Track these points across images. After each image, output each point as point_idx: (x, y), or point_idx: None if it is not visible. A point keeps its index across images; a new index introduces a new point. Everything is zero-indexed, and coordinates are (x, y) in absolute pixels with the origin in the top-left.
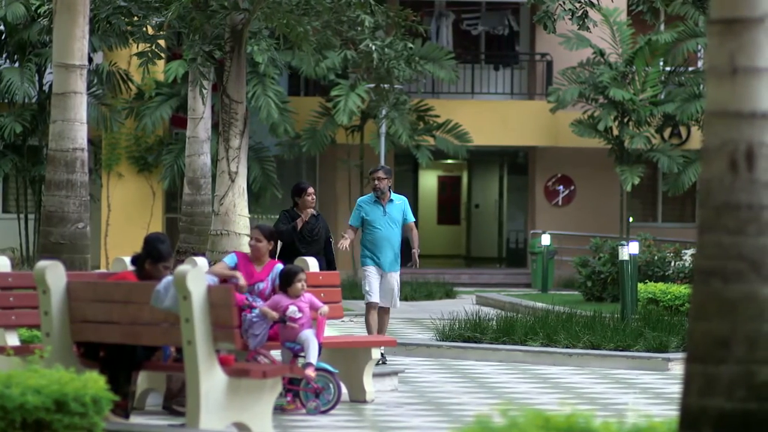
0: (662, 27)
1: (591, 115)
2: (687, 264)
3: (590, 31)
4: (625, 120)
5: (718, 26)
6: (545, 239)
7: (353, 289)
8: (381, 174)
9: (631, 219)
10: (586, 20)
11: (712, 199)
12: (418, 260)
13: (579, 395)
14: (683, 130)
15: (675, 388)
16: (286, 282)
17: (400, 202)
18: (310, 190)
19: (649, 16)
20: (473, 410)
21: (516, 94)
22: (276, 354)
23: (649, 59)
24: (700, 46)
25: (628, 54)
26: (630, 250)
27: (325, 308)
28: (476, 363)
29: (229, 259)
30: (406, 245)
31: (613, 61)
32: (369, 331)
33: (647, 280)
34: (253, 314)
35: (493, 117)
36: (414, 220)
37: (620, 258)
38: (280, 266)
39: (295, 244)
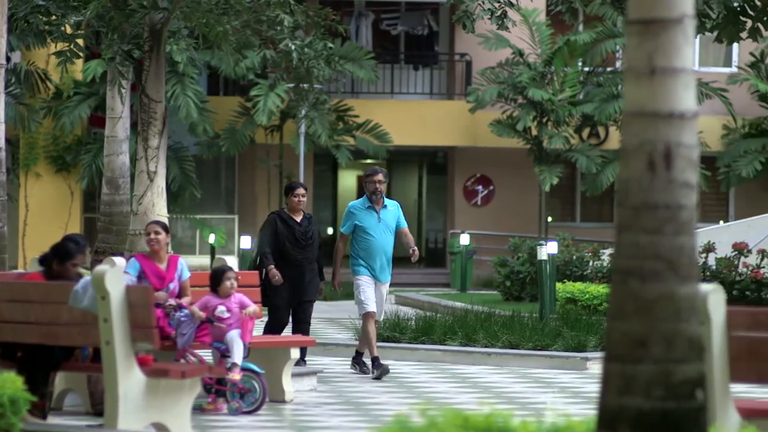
0: (581, 27)
1: (510, 115)
2: (605, 264)
3: (509, 31)
4: (544, 120)
5: (636, 27)
6: (464, 239)
7: None
8: (381, 177)
9: (549, 219)
10: (505, 20)
11: (630, 199)
12: (416, 253)
13: (498, 395)
14: (601, 131)
15: (593, 388)
16: (216, 281)
17: (393, 207)
18: (299, 191)
19: (568, 17)
20: (392, 410)
21: (435, 94)
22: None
23: (567, 60)
24: (618, 47)
25: (547, 54)
26: (548, 249)
27: (251, 308)
28: (395, 363)
29: (132, 268)
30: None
31: (532, 61)
32: (368, 342)
33: (566, 280)
34: (182, 313)
35: (412, 117)
36: (407, 225)
37: (539, 258)
38: (183, 261)
39: (287, 250)
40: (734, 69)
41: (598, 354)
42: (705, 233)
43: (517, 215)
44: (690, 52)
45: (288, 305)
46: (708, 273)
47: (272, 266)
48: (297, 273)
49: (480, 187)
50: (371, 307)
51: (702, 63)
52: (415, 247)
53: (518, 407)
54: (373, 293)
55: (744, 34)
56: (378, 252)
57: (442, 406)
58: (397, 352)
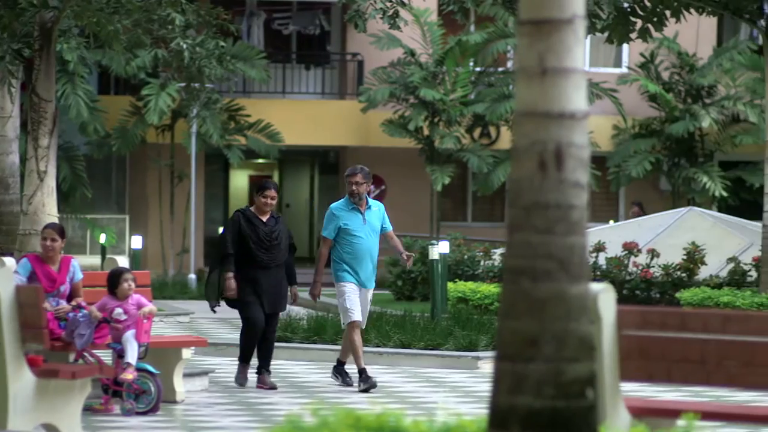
0: (472, 28)
1: (402, 115)
2: (496, 263)
3: (401, 31)
4: (436, 120)
5: (528, 27)
6: None
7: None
8: (359, 178)
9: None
10: (397, 20)
11: (521, 198)
12: (408, 260)
13: (389, 394)
14: (493, 130)
15: (484, 387)
16: (113, 284)
17: (377, 208)
18: (269, 192)
19: (460, 17)
20: (284, 410)
21: (327, 93)
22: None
23: (459, 59)
24: (509, 47)
25: (439, 54)
26: (440, 249)
27: (146, 309)
28: (287, 362)
29: (22, 269)
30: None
31: (424, 61)
32: (355, 353)
33: (457, 279)
34: (80, 314)
35: (304, 117)
36: (392, 228)
37: (430, 257)
38: (76, 263)
39: (251, 251)
40: (624, 69)
41: (490, 353)
42: (595, 233)
43: (409, 215)
44: (581, 52)
45: (257, 312)
46: (598, 272)
47: (231, 275)
48: (261, 275)
49: (372, 187)
50: (357, 315)
51: (592, 63)
52: (409, 253)
53: (410, 407)
54: (359, 300)
55: (634, 35)
56: (365, 256)
57: (334, 406)
58: (288, 351)
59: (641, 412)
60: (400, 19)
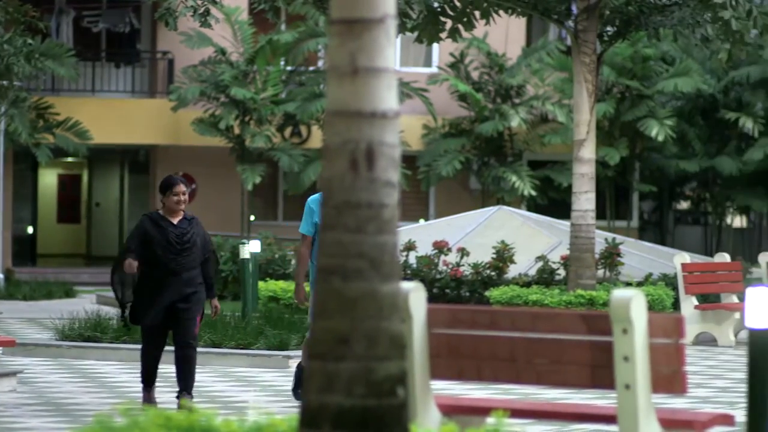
0: (283, 27)
1: (212, 114)
2: None
3: (212, 29)
4: (247, 119)
5: (339, 26)
6: None
7: None
8: None
9: (252, 217)
10: (207, 18)
11: (333, 197)
12: None
13: (200, 394)
14: (304, 129)
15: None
16: None
17: None
18: (178, 188)
19: (271, 15)
20: (94, 410)
21: (137, 92)
22: None
23: (270, 58)
24: (320, 46)
25: (250, 53)
26: (251, 248)
27: None
28: (97, 363)
29: None
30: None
31: (235, 60)
32: None
33: (268, 278)
34: None
35: (114, 115)
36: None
37: (241, 256)
38: None
39: (158, 256)
40: (434, 69)
41: (300, 352)
42: (406, 232)
43: (220, 214)
44: (392, 52)
45: (156, 321)
46: (409, 271)
47: (130, 258)
48: (169, 282)
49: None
50: None
51: (403, 63)
52: None
53: (221, 406)
54: None
55: (444, 35)
56: None
57: (145, 406)
58: (98, 351)
59: (451, 410)
60: (211, 18)
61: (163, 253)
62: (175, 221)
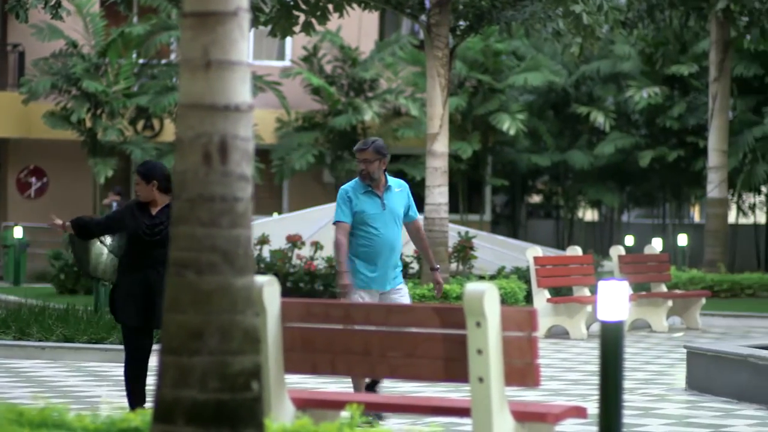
0: (135, 19)
1: (64, 107)
2: None
3: (64, 21)
4: (98, 112)
5: (192, 20)
6: (18, 232)
7: None
8: (368, 154)
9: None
10: (59, 10)
11: (186, 191)
12: (442, 284)
13: (53, 389)
14: (156, 123)
15: (151, 380)
16: None
17: (400, 189)
18: (136, 176)
19: (123, 8)
20: None
21: None
22: None
23: (122, 51)
24: (173, 39)
25: (102, 46)
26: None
27: None
28: None
29: None
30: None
31: (87, 52)
32: (356, 388)
33: None
34: None
35: None
36: (419, 215)
37: None
38: None
39: (130, 249)
40: (288, 63)
41: (156, 346)
42: (260, 225)
43: (71, 207)
44: (246, 45)
45: (135, 319)
46: (263, 265)
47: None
48: (139, 279)
49: (33, 179)
50: None
51: (256, 56)
52: (438, 267)
53: (73, 401)
54: None
55: (297, 29)
56: (385, 251)
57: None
58: None
59: (306, 403)
60: (63, 10)
61: (133, 244)
62: (153, 211)
